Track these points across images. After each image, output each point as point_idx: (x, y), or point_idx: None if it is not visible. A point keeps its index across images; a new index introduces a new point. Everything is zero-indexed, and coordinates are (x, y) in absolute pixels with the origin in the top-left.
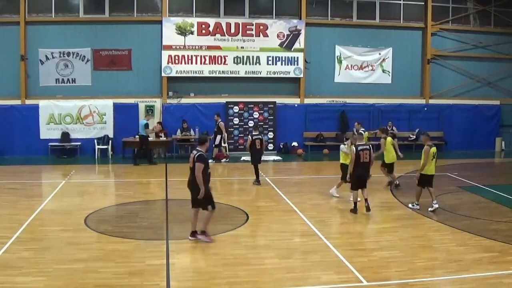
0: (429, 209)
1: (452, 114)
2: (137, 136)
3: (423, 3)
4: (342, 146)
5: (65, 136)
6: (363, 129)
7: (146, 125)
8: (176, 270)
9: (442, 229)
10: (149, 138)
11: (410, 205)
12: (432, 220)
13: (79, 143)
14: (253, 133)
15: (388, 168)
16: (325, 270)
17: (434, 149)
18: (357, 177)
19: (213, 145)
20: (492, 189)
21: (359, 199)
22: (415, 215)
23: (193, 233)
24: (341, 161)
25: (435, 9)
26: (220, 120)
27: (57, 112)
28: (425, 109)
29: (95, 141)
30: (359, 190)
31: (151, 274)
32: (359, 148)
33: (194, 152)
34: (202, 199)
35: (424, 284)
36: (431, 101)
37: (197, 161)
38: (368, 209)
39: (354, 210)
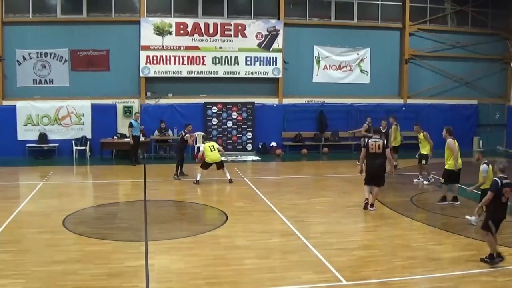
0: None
1: (430, 113)
2: (115, 137)
3: (401, 4)
4: (484, 166)
5: (43, 137)
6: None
7: (130, 124)
8: (155, 271)
9: (420, 228)
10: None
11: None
12: (410, 219)
13: (56, 144)
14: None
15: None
16: (304, 270)
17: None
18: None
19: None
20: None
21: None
22: (394, 215)
23: (368, 205)
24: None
25: (413, 9)
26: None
27: (34, 113)
28: (403, 108)
29: (73, 142)
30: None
31: (130, 275)
32: None
33: (376, 140)
34: (383, 179)
35: (403, 283)
36: (409, 101)
37: (387, 147)
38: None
39: None
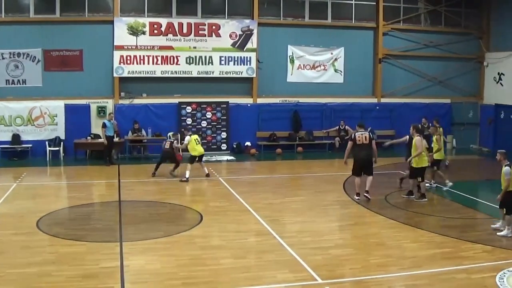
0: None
1: (404, 112)
2: (89, 137)
3: (374, 3)
4: (507, 168)
5: (16, 138)
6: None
7: (103, 125)
8: (131, 272)
9: (395, 226)
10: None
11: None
12: (385, 217)
13: (30, 145)
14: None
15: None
16: (280, 269)
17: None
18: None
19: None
20: (444, 186)
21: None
22: (368, 213)
23: (359, 194)
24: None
25: (387, 9)
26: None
27: (7, 113)
28: (377, 108)
29: (47, 143)
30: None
31: (105, 276)
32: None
33: (363, 133)
34: (372, 168)
35: (378, 281)
36: (383, 100)
37: (373, 139)
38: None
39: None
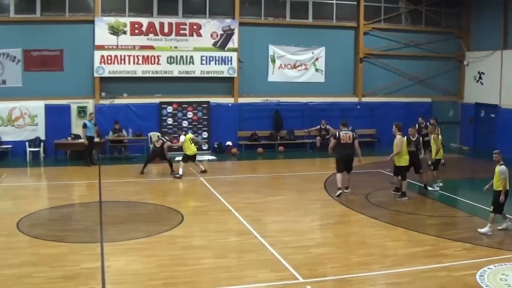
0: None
1: (385, 112)
2: (69, 138)
3: (355, 3)
4: (503, 168)
5: None
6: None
7: (84, 125)
8: (112, 272)
9: (376, 225)
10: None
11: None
12: (366, 216)
13: (10, 146)
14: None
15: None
16: (261, 268)
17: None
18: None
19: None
20: (431, 186)
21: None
22: (349, 212)
23: (340, 188)
24: (496, 188)
25: (367, 8)
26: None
27: None
28: (358, 107)
29: (27, 143)
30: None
31: (86, 277)
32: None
33: (347, 132)
34: (352, 166)
35: (360, 280)
36: (364, 99)
37: (357, 138)
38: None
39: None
